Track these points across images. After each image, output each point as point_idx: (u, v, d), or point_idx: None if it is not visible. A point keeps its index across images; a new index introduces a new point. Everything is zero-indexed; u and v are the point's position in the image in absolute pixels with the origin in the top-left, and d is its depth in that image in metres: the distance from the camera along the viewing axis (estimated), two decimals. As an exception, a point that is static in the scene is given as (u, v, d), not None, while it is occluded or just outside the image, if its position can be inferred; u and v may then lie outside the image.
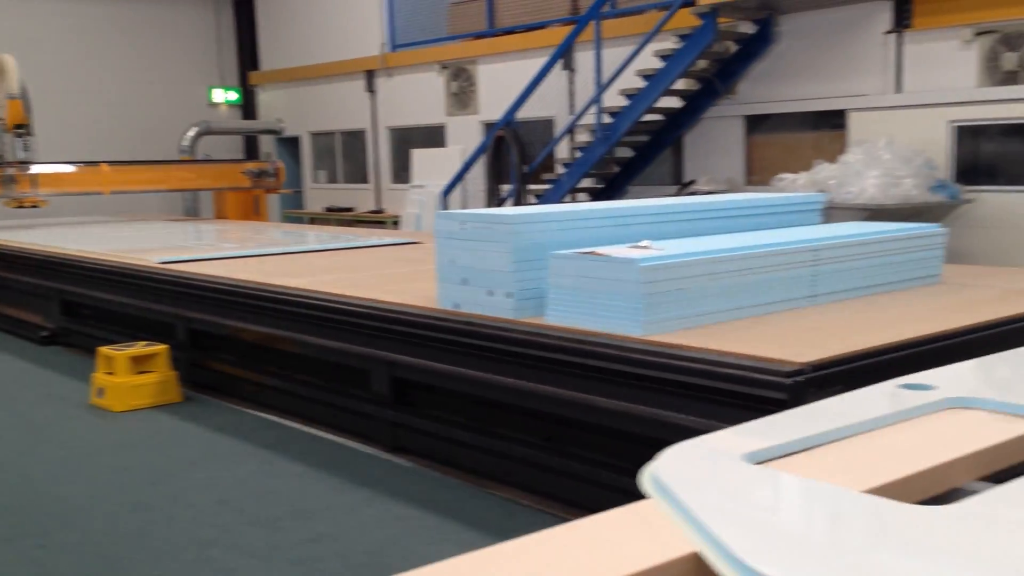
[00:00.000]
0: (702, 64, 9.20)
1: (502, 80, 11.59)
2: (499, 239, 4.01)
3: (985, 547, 1.40)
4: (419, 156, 12.93)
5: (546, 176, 10.17)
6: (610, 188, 10.26)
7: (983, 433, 1.96)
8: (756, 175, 9.43)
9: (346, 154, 14.79)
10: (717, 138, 9.73)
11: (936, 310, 3.97)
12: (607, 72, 9.33)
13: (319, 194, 15.22)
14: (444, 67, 12.65)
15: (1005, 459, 1.87)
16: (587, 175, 10.02)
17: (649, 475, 1.70)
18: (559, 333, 3.73)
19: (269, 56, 15.96)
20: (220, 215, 12.26)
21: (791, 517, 1.54)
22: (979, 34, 7.77)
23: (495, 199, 10.21)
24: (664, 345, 3.42)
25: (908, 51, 8.22)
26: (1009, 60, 7.65)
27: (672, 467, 1.73)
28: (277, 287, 5.21)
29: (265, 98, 16.16)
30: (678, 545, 1.41)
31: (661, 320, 3.57)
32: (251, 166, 12.03)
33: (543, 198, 9.78)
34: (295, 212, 15.12)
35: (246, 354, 5.76)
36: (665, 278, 3.58)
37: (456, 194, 11.41)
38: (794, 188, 7.50)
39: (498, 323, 3.98)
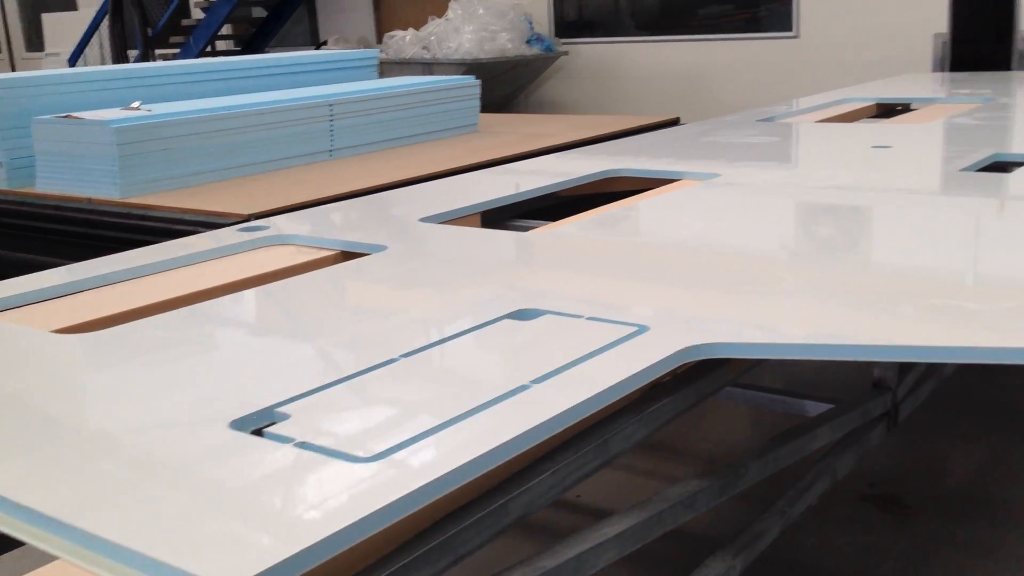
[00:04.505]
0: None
1: (128, -65, 10.74)
2: (-17, 106, 3.81)
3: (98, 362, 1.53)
4: (50, 21, 11.87)
5: (174, 39, 9.68)
6: (248, 50, 9.94)
7: (268, 261, 2.13)
8: (388, 33, 9.44)
9: (-28, 20, 13.32)
10: (347, -4, 9.62)
11: (437, 159, 4.19)
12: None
13: (-55, 66, 13.68)
14: (66, -80, 11.56)
15: (259, 281, 2.02)
16: (221, 37, 9.65)
17: None
18: (44, 201, 3.64)
19: None
20: None
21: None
22: None
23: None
24: (133, 206, 3.42)
25: (512, -95, 8.40)
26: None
27: None
28: None
29: None
30: None
31: (142, 182, 3.55)
32: None
33: (172, 63, 9.34)
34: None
35: None
36: (142, 139, 3.54)
37: (96, 60, 10.66)
38: (402, 45, 7.60)
39: (-11, 195, 3.82)
